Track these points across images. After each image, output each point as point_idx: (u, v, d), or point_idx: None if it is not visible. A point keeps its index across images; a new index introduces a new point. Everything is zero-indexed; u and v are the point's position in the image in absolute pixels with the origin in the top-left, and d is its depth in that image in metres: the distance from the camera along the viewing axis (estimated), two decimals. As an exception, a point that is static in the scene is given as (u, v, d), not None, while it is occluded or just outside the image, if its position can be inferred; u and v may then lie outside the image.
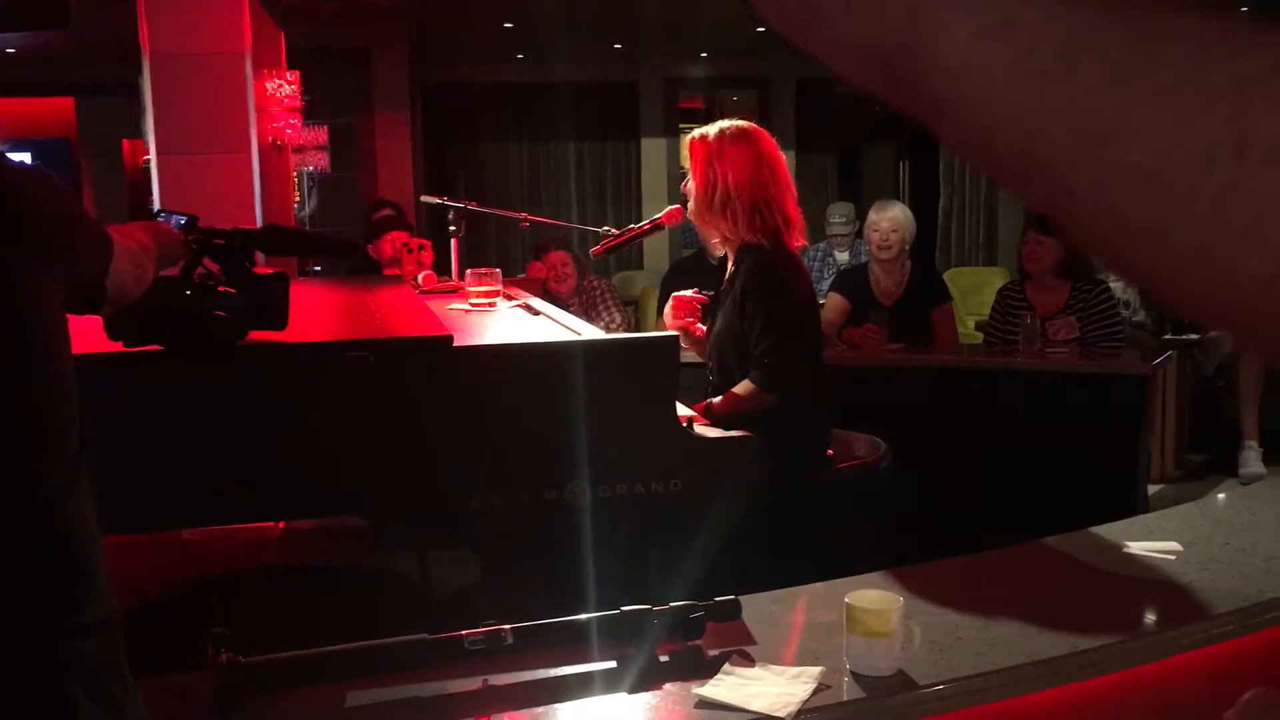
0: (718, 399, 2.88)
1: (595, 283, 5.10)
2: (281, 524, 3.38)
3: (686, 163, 3.04)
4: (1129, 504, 4.15)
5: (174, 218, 1.87)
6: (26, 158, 10.25)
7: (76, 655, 1.13)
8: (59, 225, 1.31)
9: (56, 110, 10.15)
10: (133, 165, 10.08)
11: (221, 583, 2.91)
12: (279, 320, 2.07)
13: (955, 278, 7.98)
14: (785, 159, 3.02)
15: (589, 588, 2.21)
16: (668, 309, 3.13)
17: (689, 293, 3.10)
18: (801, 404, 2.88)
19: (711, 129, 2.97)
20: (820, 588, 1.99)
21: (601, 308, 5.02)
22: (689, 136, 3.03)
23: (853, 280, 4.92)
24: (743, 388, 2.84)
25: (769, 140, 2.97)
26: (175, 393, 2.18)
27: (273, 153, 5.49)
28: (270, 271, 2.09)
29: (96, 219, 1.48)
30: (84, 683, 1.12)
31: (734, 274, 2.96)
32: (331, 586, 3.08)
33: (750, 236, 2.88)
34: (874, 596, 1.63)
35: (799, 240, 2.97)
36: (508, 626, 1.72)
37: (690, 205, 3.00)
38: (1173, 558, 2.09)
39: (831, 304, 4.79)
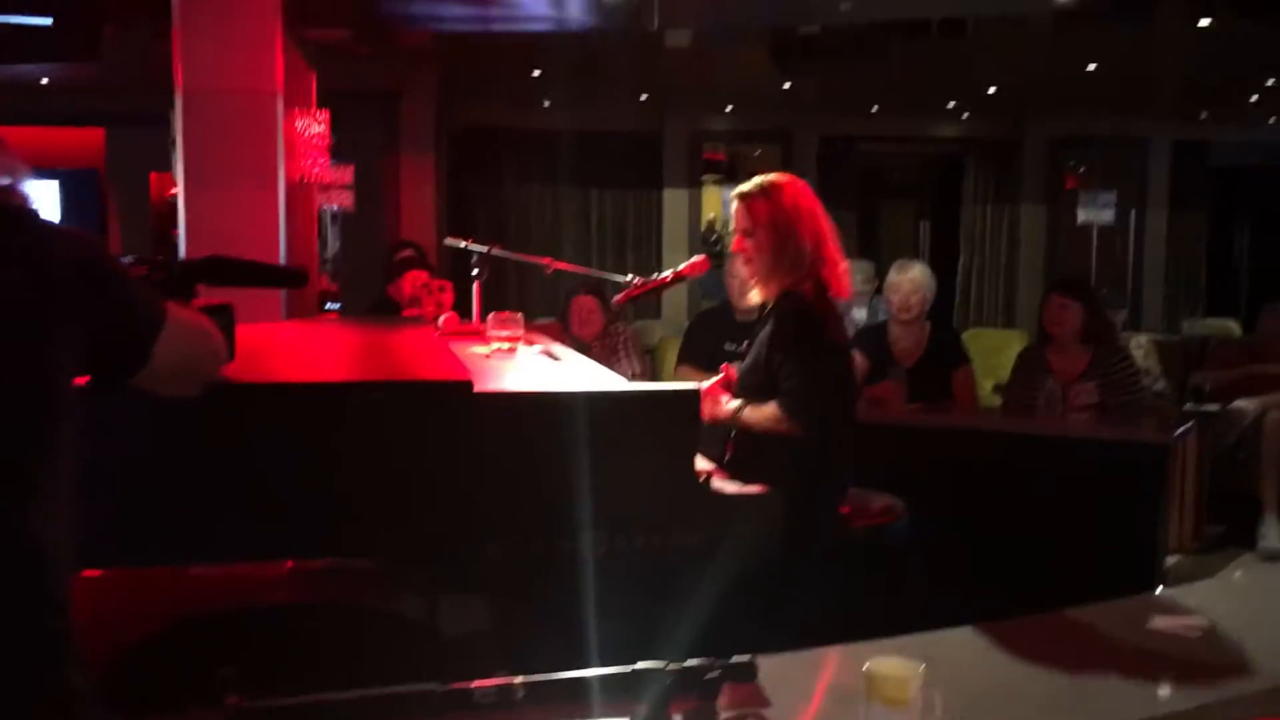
0: (747, 408, 2.88)
1: (620, 329, 5.10)
2: (290, 562, 3.36)
3: (738, 222, 3.03)
4: (1147, 574, 4.10)
5: (123, 258, 1.87)
6: (54, 186, 10.36)
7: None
8: (83, 281, 1.35)
9: (86, 140, 10.26)
10: (159, 197, 10.17)
11: (227, 620, 2.88)
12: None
13: (974, 339, 7.94)
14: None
15: (601, 640, 2.18)
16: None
17: (716, 381, 3.07)
18: (824, 452, 2.86)
19: (758, 184, 2.98)
20: (838, 651, 1.95)
21: (622, 354, 5.02)
22: (739, 192, 3.02)
23: (872, 339, 4.90)
24: (771, 408, 2.84)
25: (810, 190, 3.00)
26: (190, 428, 2.16)
27: (299, 190, 5.52)
28: (216, 303, 2.06)
29: (149, 292, 1.53)
30: None
31: (769, 314, 2.96)
32: (340, 627, 3.05)
33: (801, 284, 2.90)
34: (894, 663, 1.60)
35: (845, 292, 2.98)
36: (519, 680, 1.69)
37: (754, 263, 2.98)
38: (1197, 634, 2.05)
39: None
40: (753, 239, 2.98)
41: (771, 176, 3.01)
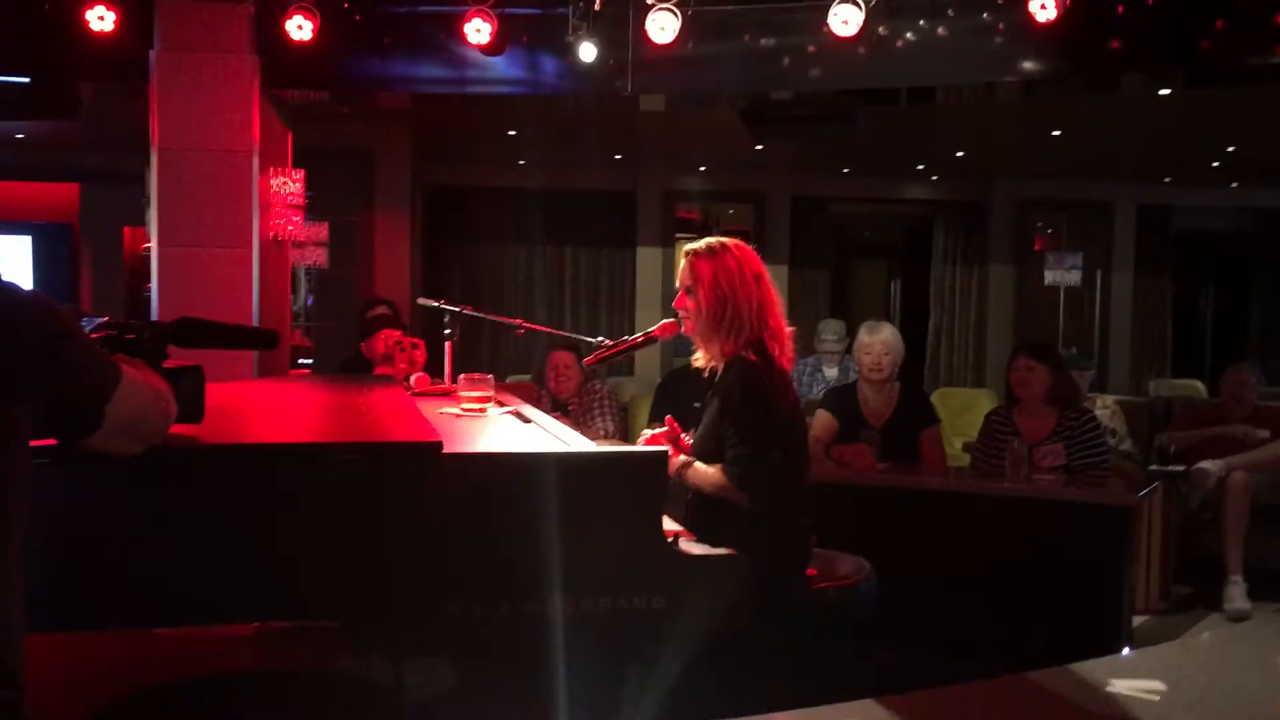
0: (699, 463, 2.89)
1: (598, 387, 5.14)
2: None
3: (683, 278, 3.05)
4: (1113, 635, 4.11)
5: (89, 320, 1.89)
6: (28, 241, 10.34)
7: None
8: (43, 351, 1.39)
9: (60, 195, 10.27)
10: (132, 252, 10.17)
11: (192, 687, 2.86)
12: (194, 414, 2.05)
13: (943, 398, 8.02)
14: (777, 274, 3.08)
15: (566, 703, 2.18)
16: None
17: (659, 434, 3.07)
18: (779, 518, 2.87)
19: (707, 244, 3.00)
20: (802, 716, 1.96)
21: (597, 412, 5.04)
22: (686, 250, 3.05)
23: (841, 399, 4.94)
24: (717, 473, 2.86)
25: (758, 257, 3.03)
26: (154, 490, 2.16)
27: (273, 248, 5.55)
28: (184, 365, 2.07)
29: (103, 354, 1.58)
30: None
31: (720, 382, 2.98)
32: (302, 690, 3.02)
33: (744, 351, 2.91)
34: (855, 728, 1.61)
35: (788, 362, 2.99)
36: (483, 744, 1.69)
37: (693, 322, 3.01)
38: (1156, 698, 2.07)
39: (820, 422, 4.81)
40: (693, 298, 3.00)
41: (721, 239, 3.04)
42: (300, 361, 8.11)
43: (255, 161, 5.19)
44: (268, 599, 2.26)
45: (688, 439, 3.07)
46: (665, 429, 3.06)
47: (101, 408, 1.52)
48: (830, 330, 7.05)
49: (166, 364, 2.03)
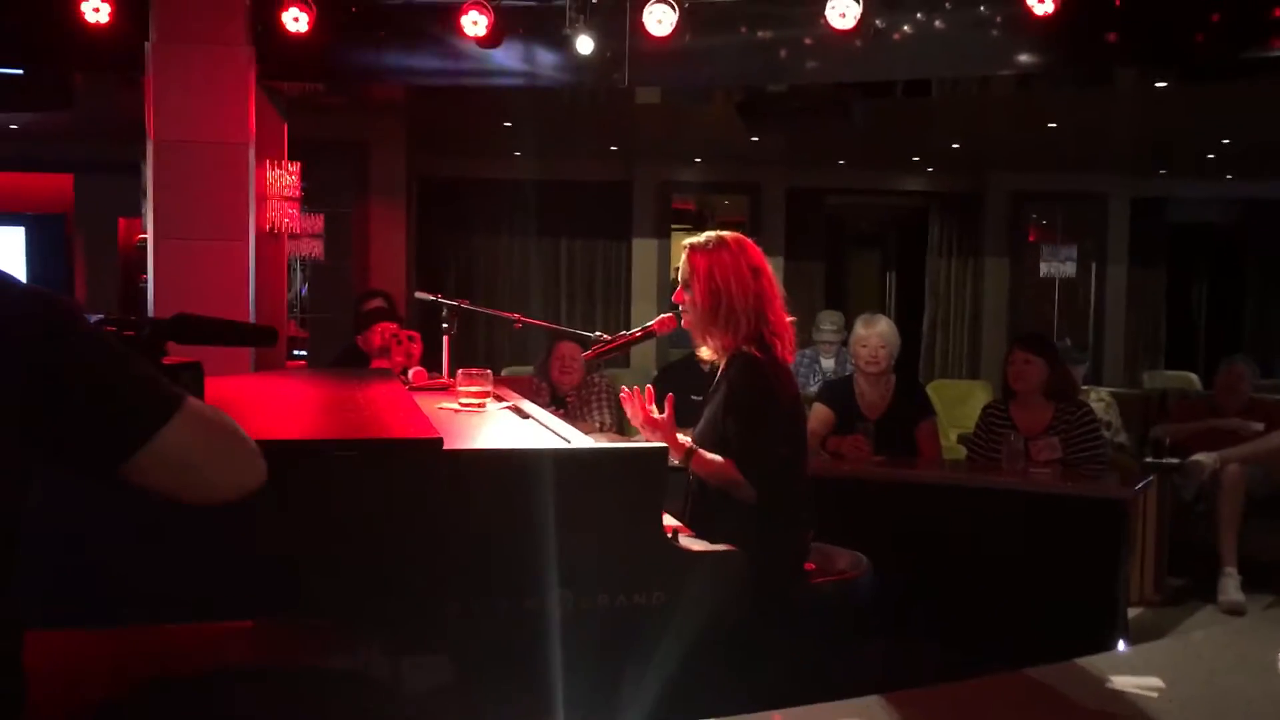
0: (707, 453, 2.86)
1: (598, 380, 5.14)
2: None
3: (681, 272, 3.05)
4: (1109, 627, 4.13)
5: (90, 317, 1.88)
6: (20, 232, 10.30)
7: None
8: (27, 371, 1.23)
9: (54, 185, 10.23)
10: (127, 243, 10.14)
11: (190, 683, 2.86)
12: None
13: (938, 390, 8.04)
14: (772, 266, 3.07)
15: (566, 699, 2.18)
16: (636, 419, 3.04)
17: (632, 392, 3.00)
18: (779, 513, 2.87)
19: (707, 238, 3.00)
20: (801, 713, 1.97)
21: (595, 405, 5.05)
22: (685, 244, 3.05)
23: (837, 392, 4.95)
24: (724, 464, 2.84)
25: (759, 252, 3.02)
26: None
27: (269, 240, 5.54)
28: (183, 361, 2.05)
29: (159, 378, 1.36)
30: None
31: (722, 377, 2.97)
32: (300, 687, 3.02)
33: (745, 346, 2.91)
34: (856, 727, 1.62)
35: (790, 355, 2.99)
36: (485, 742, 1.69)
37: (689, 315, 3.01)
38: (1154, 695, 2.08)
39: (816, 415, 4.81)
40: (689, 292, 3.00)
41: (721, 233, 3.03)
42: (295, 353, 8.11)
43: (251, 153, 5.18)
44: (266, 596, 2.27)
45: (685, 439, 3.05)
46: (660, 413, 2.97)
47: (135, 440, 1.30)
48: (829, 321, 7.05)
49: (166, 360, 2.03)
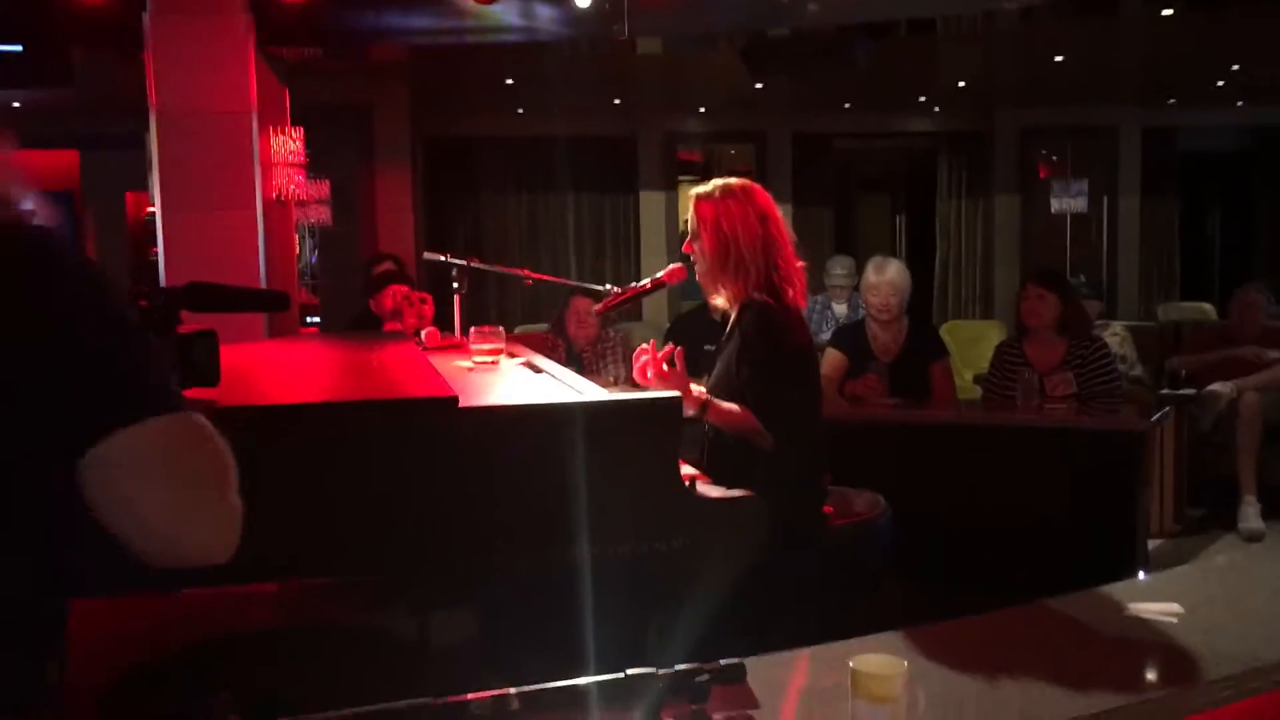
0: (722, 403, 2.86)
1: (611, 335, 5.16)
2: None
3: (689, 222, 3.04)
4: (1129, 559, 4.16)
5: None
6: (30, 210, 10.31)
7: None
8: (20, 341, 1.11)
9: (60, 162, 10.23)
10: (135, 217, 10.15)
11: (219, 645, 2.90)
12: (210, 377, 2.06)
13: (952, 331, 8.03)
14: (781, 213, 3.06)
15: (590, 648, 2.21)
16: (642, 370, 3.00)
17: (645, 348, 2.98)
18: (796, 457, 2.88)
19: (714, 186, 2.99)
20: (824, 650, 1.99)
21: (610, 359, 5.07)
22: (691, 194, 3.03)
23: (850, 337, 4.95)
24: (746, 412, 2.84)
25: (768, 197, 3.01)
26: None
27: (276, 208, 5.54)
28: (197, 329, 2.06)
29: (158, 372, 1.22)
30: None
31: (734, 326, 2.98)
32: (328, 645, 3.07)
33: (756, 294, 2.91)
34: (878, 661, 1.64)
35: (802, 299, 2.99)
36: (513, 691, 1.72)
37: (699, 265, 3.01)
38: (1174, 620, 2.10)
39: (829, 360, 4.82)
40: (698, 242, 2.99)
41: (727, 180, 3.02)
42: (308, 320, 8.13)
43: (254, 121, 5.17)
44: (290, 558, 2.30)
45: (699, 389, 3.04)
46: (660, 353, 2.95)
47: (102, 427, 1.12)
48: (840, 265, 7.04)
49: (180, 329, 2.04)
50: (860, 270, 5.54)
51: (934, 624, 2.08)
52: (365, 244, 8.96)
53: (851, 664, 1.62)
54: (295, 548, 2.26)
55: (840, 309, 6.99)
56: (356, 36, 5.91)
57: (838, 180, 11.67)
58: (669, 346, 2.91)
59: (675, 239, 10.74)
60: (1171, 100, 10.86)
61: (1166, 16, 6.58)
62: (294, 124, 5.86)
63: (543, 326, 6.37)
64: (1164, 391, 5.56)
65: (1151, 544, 4.71)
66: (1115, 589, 2.31)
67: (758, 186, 3.01)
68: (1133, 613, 2.15)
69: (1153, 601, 2.19)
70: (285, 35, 5.59)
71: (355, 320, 5.82)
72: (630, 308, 3.71)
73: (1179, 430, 5.20)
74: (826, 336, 5.77)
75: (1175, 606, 2.14)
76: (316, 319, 8.44)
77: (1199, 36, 7.80)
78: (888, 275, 4.80)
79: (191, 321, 2.10)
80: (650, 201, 10.72)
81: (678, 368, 2.89)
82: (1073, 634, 2.08)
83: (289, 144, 5.54)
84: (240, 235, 5.05)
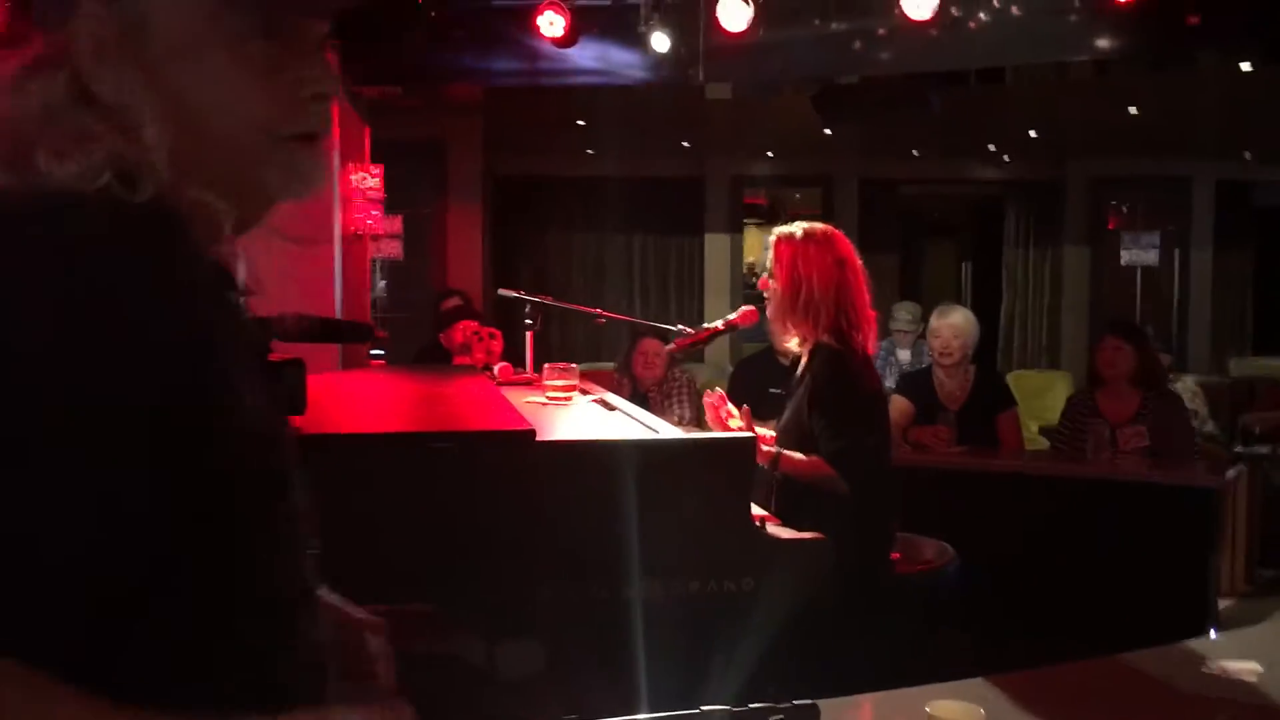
0: (793, 454, 2.89)
1: (678, 375, 5.18)
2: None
3: (767, 261, 3.08)
4: (1199, 618, 4.08)
5: None
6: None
7: None
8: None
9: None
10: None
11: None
12: (298, 406, 2.11)
13: (1017, 381, 7.94)
14: (855, 261, 3.09)
15: (657, 684, 2.22)
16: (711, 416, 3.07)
17: (715, 396, 3.05)
18: (866, 503, 2.89)
19: (796, 229, 3.04)
20: (898, 695, 1.99)
21: (676, 400, 5.09)
22: (773, 235, 3.08)
23: (916, 383, 4.93)
24: (820, 462, 2.86)
25: (848, 244, 3.05)
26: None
27: (353, 243, 5.66)
28: (287, 359, 2.12)
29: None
30: None
31: (805, 371, 3.00)
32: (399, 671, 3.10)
33: (826, 337, 2.93)
34: (955, 707, 1.64)
35: (872, 346, 3.01)
36: (588, 723, 1.74)
37: (771, 304, 3.05)
38: (1254, 679, 2.06)
39: (896, 406, 4.80)
40: (773, 280, 3.04)
41: (810, 224, 3.07)
42: (372, 352, 8.24)
43: (335, 157, 5.29)
44: (363, 584, 2.34)
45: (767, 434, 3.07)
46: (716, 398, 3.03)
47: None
48: (905, 311, 7.02)
49: (270, 357, 2.11)
50: (925, 317, 5.53)
51: (1010, 673, 2.06)
52: (433, 279, 9.08)
53: (928, 709, 1.62)
54: (365, 573, 2.30)
55: (904, 355, 6.95)
56: (436, 76, 6.04)
57: (904, 226, 11.64)
58: (721, 396, 2.96)
59: (740, 282, 10.76)
60: (1247, 154, 10.71)
61: (1245, 72, 6.53)
62: (373, 161, 5.99)
63: (605, 365, 6.42)
64: (1238, 449, 5.46)
65: (1222, 603, 4.61)
66: (1191, 646, 2.28)
67: (840, 234, 3.05)
68: (1210, 670, 2.11)
69: (1229, 659, 2.15)
70: (369, 74, 5.73)
71: (422, 353, 5.90)
72: (700, 349, 3.75)
73: (1253, 488, 5.10)
74: (890, 382, 5.75)
75: (1254, 665, 2.11)
76: (381, 351, 8.55)
77: (1276, 90, 7.72)
78: (950, 319, 4.79)
79: (280, 351, 2.17)
80: (715, 244, 10.75)
81: (744, 425, 2.92)
82: (1150, 689, 2.05)
83: (368, 180, 5.67)
84: (317, 268, 5.16)
